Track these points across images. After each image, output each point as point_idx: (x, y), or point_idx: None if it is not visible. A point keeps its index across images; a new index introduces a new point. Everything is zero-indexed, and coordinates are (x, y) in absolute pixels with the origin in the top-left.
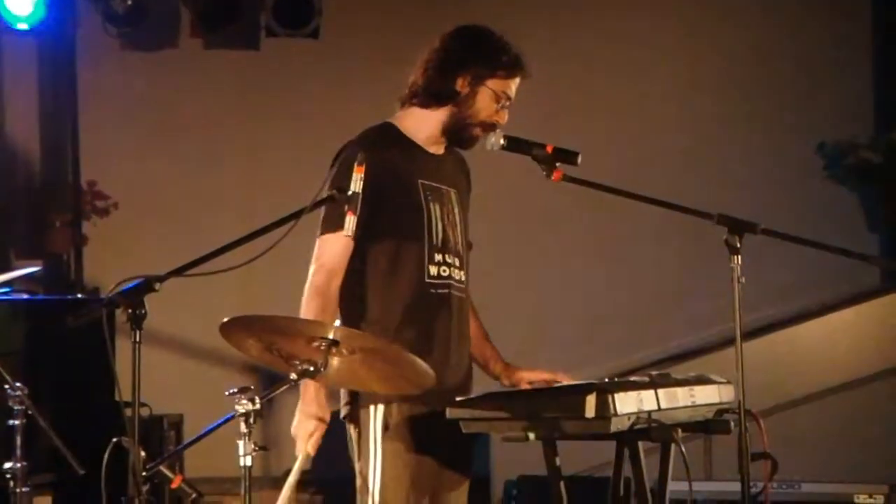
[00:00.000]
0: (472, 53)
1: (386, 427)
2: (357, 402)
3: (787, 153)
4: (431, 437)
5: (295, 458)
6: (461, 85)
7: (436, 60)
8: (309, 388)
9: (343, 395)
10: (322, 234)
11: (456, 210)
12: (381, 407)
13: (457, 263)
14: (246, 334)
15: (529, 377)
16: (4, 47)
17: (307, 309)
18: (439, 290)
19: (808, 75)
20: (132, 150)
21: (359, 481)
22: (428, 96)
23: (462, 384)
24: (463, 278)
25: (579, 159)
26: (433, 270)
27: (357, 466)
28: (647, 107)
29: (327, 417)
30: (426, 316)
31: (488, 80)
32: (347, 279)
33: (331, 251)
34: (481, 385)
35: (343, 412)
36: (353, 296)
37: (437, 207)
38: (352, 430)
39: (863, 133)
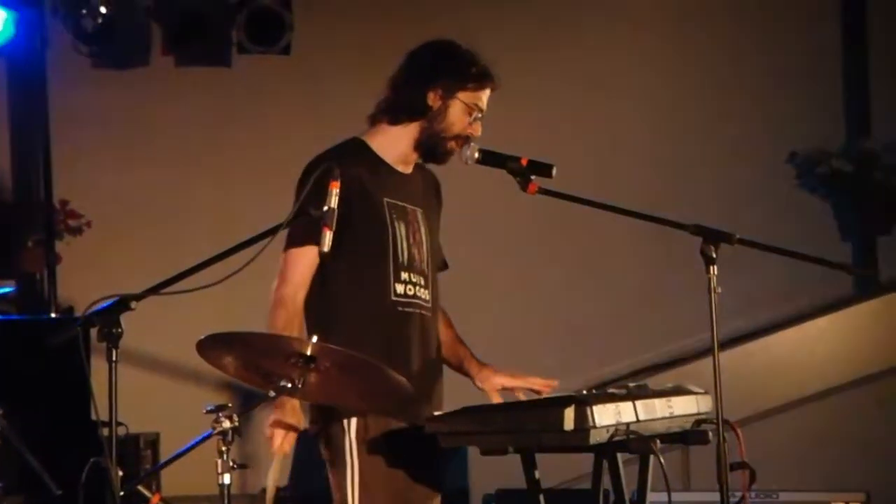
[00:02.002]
0: (441, 67)
1: (360, 440)
2: (328, 417)
3: (759, 162)
4: (403, 452)
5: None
6: (432, 99)
7: (405, 76)
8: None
9: (310, 412)
10: (287, 248)
11: (422, 230)
12: (353, 421)
13: (422, 283)
14: (223, 352)
15: (502, 382)
16: None
17: (273, 321)
18: (405, 309)
19: (779, 84)
20: (104, 168)
21: (336, 496)
22: (398, 112)
23: (431, 402)
24: (428, 297)
25: (554, 172)
26: (399, 289)
27: (333, 482)
28: (619, 118)
29: (301, 425)
30: (391, 334)
31: (459, 92)
32: (312, 296)
33: (296, 265)
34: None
35: (312, 430)
36: (317, 312)
37: (403, 226)
38: (323, 447)
39: (834, 142)
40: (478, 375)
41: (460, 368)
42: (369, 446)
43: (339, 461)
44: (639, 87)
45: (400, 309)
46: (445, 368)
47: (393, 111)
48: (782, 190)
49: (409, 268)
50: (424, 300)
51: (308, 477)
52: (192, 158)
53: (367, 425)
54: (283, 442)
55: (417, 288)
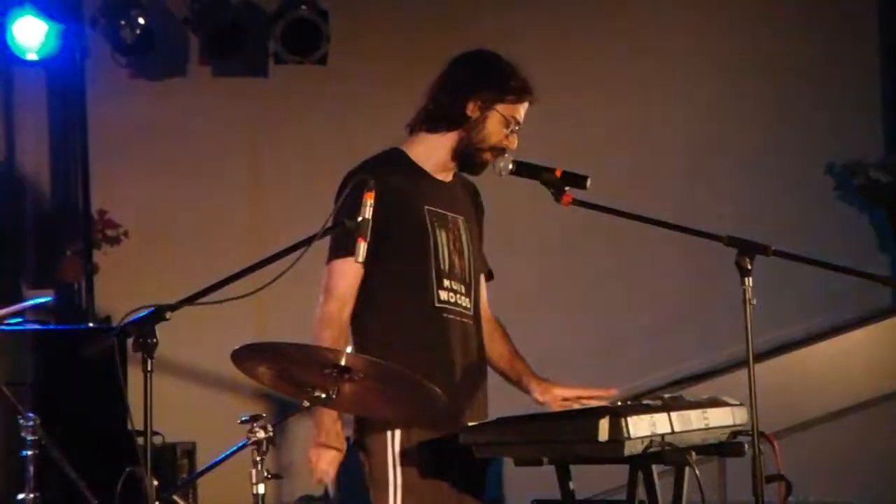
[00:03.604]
0: (482, 78)
1: (404, 454)
2: (368, 428)
3: (797, 174)
4: (444, 462)
5: (307, 487)
6: (471, 109)
7: (445, 85)
8: (324, 418)
9: (353, 422)
10: (330, 260)
11: (463, 238)
12: (398, 433)
13: (462, 290)
14: (257, 362)
15: (563, 394)
16: (15, 79)
17: (320, 338)
18: (448, 315)
19: (817, 96)
20: (142, 178)
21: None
22: (437, 121)
23: (473, 410)
24: (469, 305)
25: (588, 183)
26: (443, 295)
27: (373, 495)
28: (653, 128)
29: (343, 448)
30: (434, 341)
31: (498, 104)
32: (356, 310)
33: (341, 278)
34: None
35: (354, 438)
36: (360, 320)
37: (444, 234)
38: (363, 457)
39: (872, 153)
40: (537, 389)
41: (520, 383)
42: (412, 460)
43: (380, 475)
44: (674, 98)
45: (444, 315)
46: (500, 380)
47: (431, 119)
48: (819, 201)
49: (451, 275)
50: (465, 308)
51: (347, 488)
52: (228, 168)
53: (411, 438)
54: (327, 467)
55: (458, 296)
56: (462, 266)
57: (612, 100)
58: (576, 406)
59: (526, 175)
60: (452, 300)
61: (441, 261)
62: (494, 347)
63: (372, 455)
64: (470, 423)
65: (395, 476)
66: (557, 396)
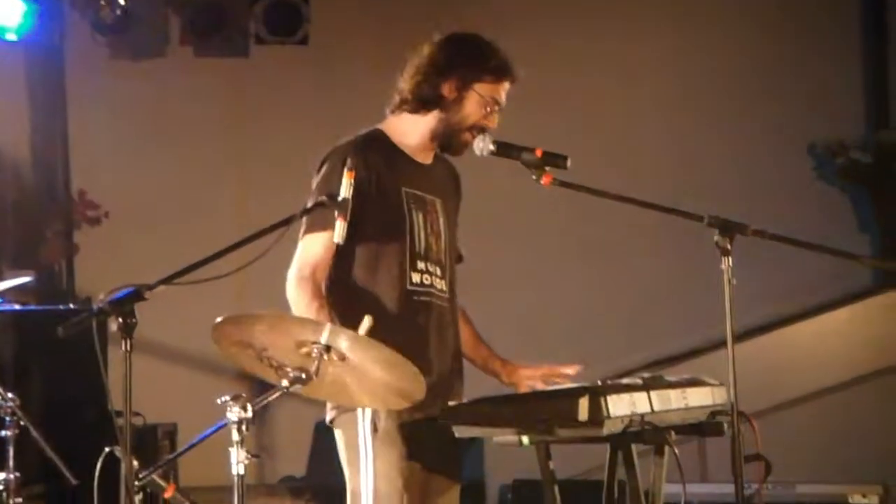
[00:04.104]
0: (459, 58)
1: (375, 431)
2: (341, 407)
3: (778, 154)
4: (419, 442)
5: (290, 468)
6: (448, 90)
7: (423, 67)
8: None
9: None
10: (304, 234)
11: (441, 220)
12: (368, 411)
13: (438, 273)
14: (239, 338)
15: (529, 374)
16: None
17: (298, 294)
18: (421, 298)
19: (798, 76)
20: (122, 158)
21: (350, 487)
22: (416, 102)
23: (447, 392)
24: (445, 288)
25: (569, 163)
26: (415, 278)
27: (347, 472)
28: (635, 109)
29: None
30: (407, 323)
31: (475, 84)
32: (329, 284)
33: (313, 250)
34: (478, 388)
35: (329, 416)
36: (334, 301)
37: (420, 216)
38: (339, 435)
39: (853, 133)
40: (503, 372)
41: (485, 367)
42: (383, 438)
43: (351, 452)
44: (655, 79)
45: (416, 298)
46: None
47: (411, 101)
48: (801, 181)
49: (426, 257)
50: (441, 290)
51: (327, 467)
52: (209, 149)
53: (381, 416)
54: None
55: (434, 278)
56: (438, 248)
57: (594, 81)
58: (540, 386)
59: (506, 155)
60: (427, 282)
61: (417, 243)
62: (460, 330)
63: (345, 434)
64: (450, 403)
65: (367, 454)
66: (523, 377)
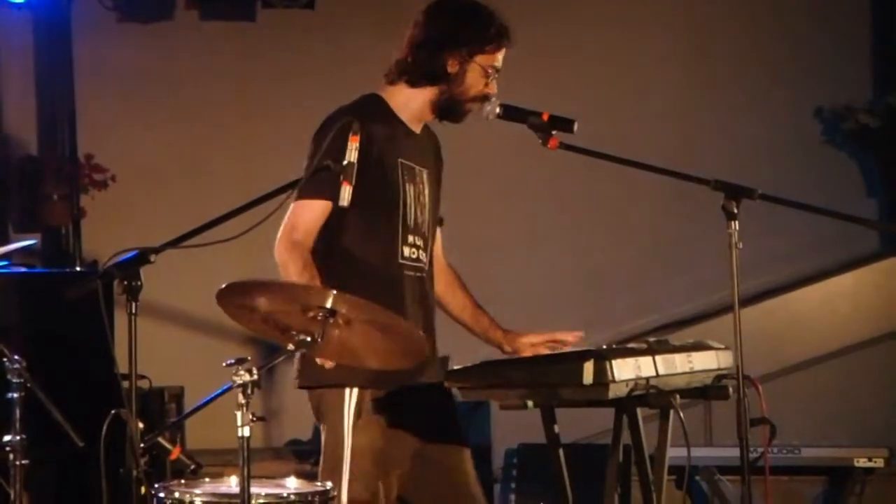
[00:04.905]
0: (461, 31)
1: (359, 414)
2: (325, 382)
3: (785, 118)
4: (405, 414)
5: (296, 431)
6: (452, 65)
7: (423, 39)
8: None
9: (296, 363)
10: (299, 198)
11: (426, 191)
12: (355, 391)
13: (421, 245)
14: (243, 303)
15: (531, 341)
16: (0, 23)
17: (290, 259)
18: (409, 272)
19: (806, 39)
20: (129, 122)
21: (326, 457)
22: (417, 76)
23: (429, 363)
24: (425, 260)
25: (576, 127)
26: (406, 252)
27: (325, 445)
28: (642, 73)
29: None
30: (396, 295)
31: (478, 56)
32: (321, 251)
33: (304, 215)
34: (466, 355)
35: (300, 382)
36: (327, 268)
37: (411, 188)
38: (317, 410)
39: (861, 97)
40: (504, 340)
41: (486, 336)
42: (365, 421)
43: (334, 430)
44: (662, 42)
45: (406, 273)
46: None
47: (411, 73)
48: (808, 146)
49: (414, 230)
50: (423, 262)
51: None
52: (215, 112)
53: (366, 397)
54: None
55: (419, 251)
56: (423, 220)
57: (599, 44)
58: (544, 351)
59: (513, 119)
60: (414, 256)
61: (408, 216)
62: (457, 298)
63: (326, 407)
64: (455, 367)
65: (347, 435)
66: (525, 345)
